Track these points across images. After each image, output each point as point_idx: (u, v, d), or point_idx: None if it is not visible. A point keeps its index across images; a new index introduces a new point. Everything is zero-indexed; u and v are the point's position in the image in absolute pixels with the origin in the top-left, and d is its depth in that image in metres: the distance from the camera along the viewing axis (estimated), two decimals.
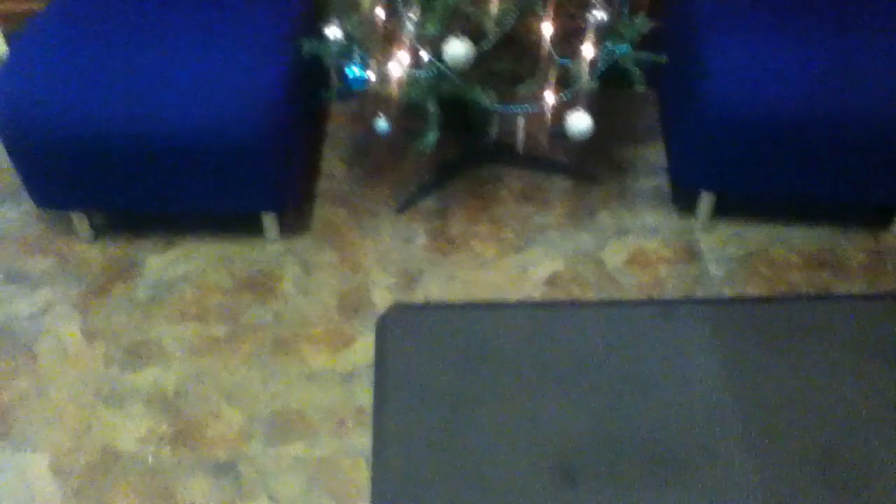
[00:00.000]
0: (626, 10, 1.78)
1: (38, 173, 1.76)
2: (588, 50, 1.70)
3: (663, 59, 1.77)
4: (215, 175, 1.73)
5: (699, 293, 1.80)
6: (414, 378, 1.61)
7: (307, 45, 1.79)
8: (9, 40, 2.25)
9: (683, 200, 1.99)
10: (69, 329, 1.73)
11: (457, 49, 1.63)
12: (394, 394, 1.58)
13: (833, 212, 1.97)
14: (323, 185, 2.05)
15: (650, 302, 1.78)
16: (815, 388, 1.59)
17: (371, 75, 1.73)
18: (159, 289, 1.81)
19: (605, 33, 1.73)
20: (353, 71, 1.74)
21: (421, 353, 1.65)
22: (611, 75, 1.77)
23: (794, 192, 1.84)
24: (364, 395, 1.60)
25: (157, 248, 1.90)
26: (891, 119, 1.68)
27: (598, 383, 1.60)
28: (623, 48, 1.75)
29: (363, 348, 1.69)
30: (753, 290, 1.81)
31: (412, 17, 1.67)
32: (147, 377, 1.64)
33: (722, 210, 1.95)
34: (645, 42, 1.79)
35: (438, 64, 1.67)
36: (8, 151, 1.73)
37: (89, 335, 1.72)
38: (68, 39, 1.75)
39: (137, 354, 1.68)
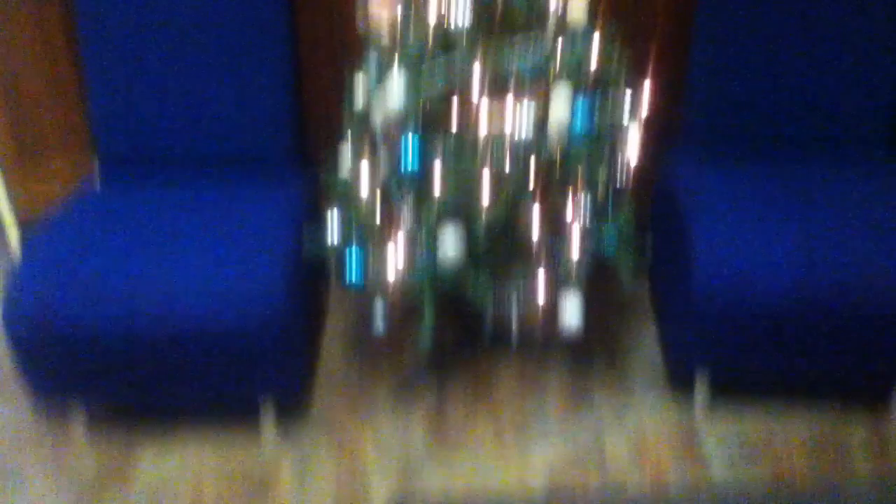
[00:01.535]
0: (611, 199, 1.86)
1: (38, 368, 1.77)
2: (576, 239, 1.77)
3: (647, 257, 1.83)
4: (216, 370, 1.75)
5: (699, 480, 1.77)
6: None
7: (308, 241, 1.87)
8: (22, 241, 2.35)
9: (680, 378, 2.00)
10: None
11: (451, 242, 1.70)
12: None
13: (832, 388, 1.98)
14: (322, 373, 2.06)
15: (652, 496, 1.75)
16: None
17: (369, 269, 1.79)
18: (153, 492, 1.78)
19: (592, 221, 1.81)
20: (352, 263, 1.80)
21: None
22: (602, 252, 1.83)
23: (789, 374, 1.86)
24: None
25: (152, 444, 1.88)
26: (880, 297, 1.71)
27: None
28: (611, 234, 1.82)
29: None
30: (754, 476, 1.78)
31: (408, 209, 1.75)
32: None
33: (720, 387, 1.96)
34: (634, 227, 1.86)
35: (434, 257, 1.73)
36: (10, 344, 1.75)
37: None
38: (77, 241, 1.82)
39: None
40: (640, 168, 1.81)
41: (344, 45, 2.15)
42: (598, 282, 1.87)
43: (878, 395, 1.95)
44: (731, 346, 1.81)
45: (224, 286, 1.70)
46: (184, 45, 1.99)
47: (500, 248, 1.86)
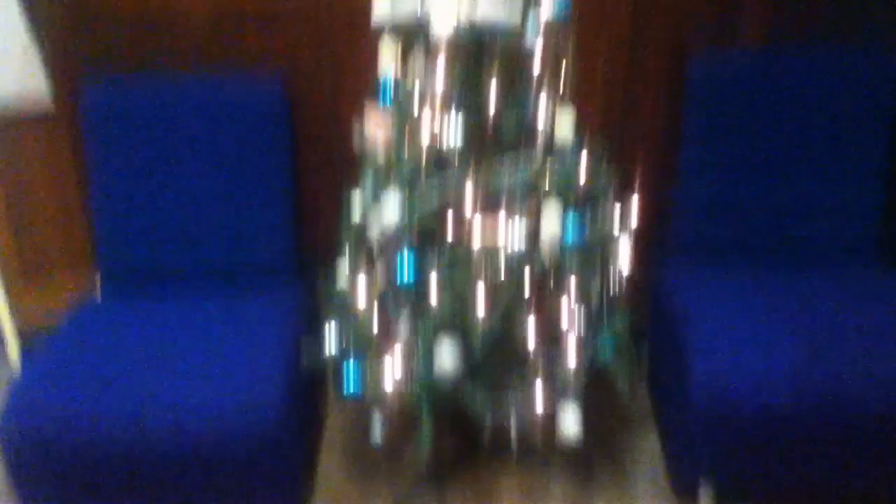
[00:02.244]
0: (605, 308, 1.88)
1: (33, 481, 1.76)
2: (572, 349, 1.78)
3: (645, 366, 1.84)
4: (214, 484, 1.73)
5: None
6: None
7: (306, 353, 1.88)
8: (22, 356, 2.36)
9: (683, 486, 1.97)
10: None
11: (448, 355, 1.71)
12: None
13: (836, 494, 1.94)
14: (320, 485, 2.04)
15: None
16: None
17: (367, 380, 1.79)
18: None
19: (587, 331, 1.82)
20: (350, 374, 1.80)
21: None
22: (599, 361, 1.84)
23: (793, 482, 1.83)
24: None
25: None
26: (879, 403, 1.70)
27: None
28: (607, 343, 1.83)
29: None
30: None
31: (405, 321, 1.76)
32: None
33: (724, 495, 1.92)
34: (629, 335, 1.87)
35: (431, 369, 1.74)
36: (6, 456, 1.73)
37: None
38: (77, 354, 1.84)
39: None
40: (634, 277, 1.84)
41: (341, 161, 2.22)
42: (597, 390, 1.86)
43: (882, 501, 1.91)
44: (733, 454, 1.79)
45: (222, 402, 1.70)
46: (187, 162, 2.06)
47: (496, 358, 1.87)
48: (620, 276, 1.82)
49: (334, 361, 1.84)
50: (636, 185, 1.73)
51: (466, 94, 1.59)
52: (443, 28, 1.49)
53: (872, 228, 2.09)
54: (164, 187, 2.06)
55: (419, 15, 1.56)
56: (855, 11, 2.12)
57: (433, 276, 1.70)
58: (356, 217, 1.82)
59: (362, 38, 1.69)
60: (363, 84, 1.79)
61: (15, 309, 2.36)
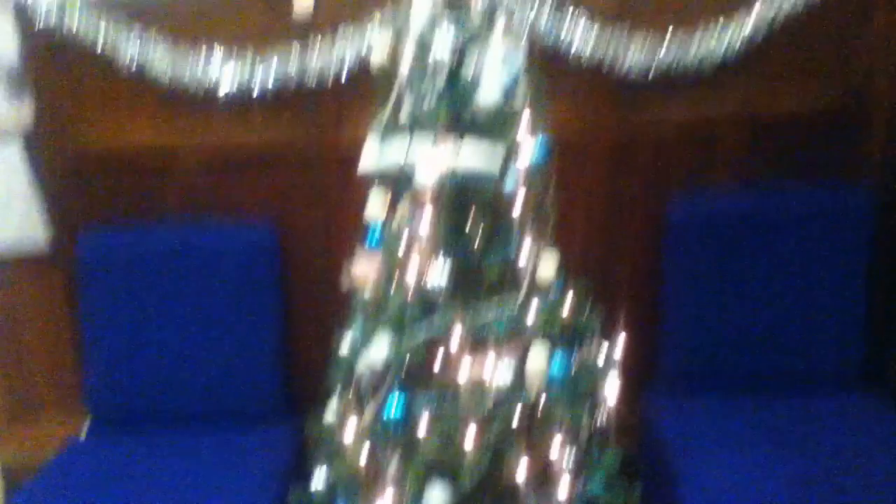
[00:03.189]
0: (595, 447, 1.88)
1: None
2: (563, 484, 1.76)
3: (637, 500, 1.82)
4: None
5: None
6: None
7: (294, 495, 1.85)
8: (8, 495, 2.32)
9: None
10: None
11: (437, 497, 1.69)
12: None
13: None
14: None
15: None
16: None
17: None
18: None
19: (578, 469, 1.81)
20: None
21: None
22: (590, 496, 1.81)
23: None
24: None
25: None
26: None
27: None
28: (598, 478, 1.81)
29: None
30: None
31: (393, 461, 1.75)
32: None
33: None
34: (620, 468, 1.85)
35: None
36: None
37: None
38: (63, 495, 1.83)
39: None
40: (623, 410, 1.84)
41: (332, 303, 2.26)
42: None
43: None
44: None
45: None
46: (179, 308, 2.10)
47: (486, 495, 1.85)
48: (609, 411, 1.82)
49: (322, 501, 1.82)
50: (620, 322, 1.75)
51: (451, 237, 1.64)
52: (426, 177, 1.55)
53: (856, 357, 2.12)
54: (156, 332, 2.09)
55: (404, 164, 1.63)
56: (824, 151, 2.23)
57: (421, 413, 1.70)
58: (345, 357, 1.84)
59: (353, 183, 1.76)
60: (353, 227, 1.86)
61: (2, 448, 2.34)
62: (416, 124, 1.63)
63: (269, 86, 2.10)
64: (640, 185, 2.25)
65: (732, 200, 2.15)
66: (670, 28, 2.10)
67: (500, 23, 1.62)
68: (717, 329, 2.12)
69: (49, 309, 2.31)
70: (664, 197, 2.19)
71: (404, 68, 1.60)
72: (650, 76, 2.12)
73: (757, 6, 2.08)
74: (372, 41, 2.08)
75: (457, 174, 1.58)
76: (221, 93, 2.10)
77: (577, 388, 1.72)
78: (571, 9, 2.08)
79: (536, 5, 2.06)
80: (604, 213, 2.27)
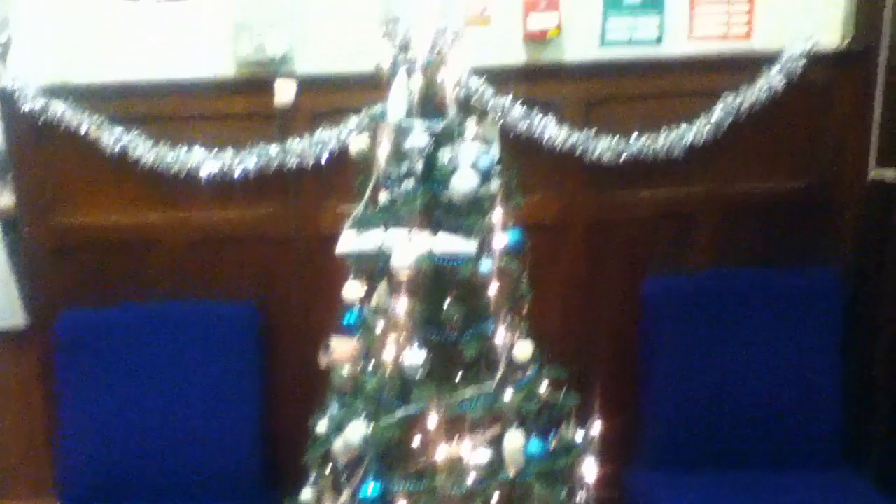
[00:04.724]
0: None
1: None
2: None
3: None
4: None
5: None
6: None
7: None
8: None
9: None
10: None
11: None
12: None
13: None
14: None
15: None
16: None
17: None
18: None
19: None
20: None
21: None
22: None
23: None
24: None
25: None
26: None
27: None
28: None
29: None
30: None
31: None
32: None
33: None
34: None
35: None
36: None
37: None
38: None
39: None
40: (603, 487, 1.84)
41: (312, 382, 2.26)
42: None
43: None
44: None
45: None
46: (156, 388, 2.10)
47: None
48: (588, 488, 1.82)
49: None
50: (598, 401, 1.77)
51: (428, 317, 1.66)
52: (402, 260, 1.58)
53: (834, 433, 2.14)
54: (132, 412, 2.08)
55: (381, 247, 1.66)
56: (794, 233, 2.30)
57: (399, 493, 1.69)
58: (322, 434, 1.83)
59: (333, 261, 1.78)
60: (333, 305, 1.87)
61: None
62: (394, 208, 1.67)
63: (251, 166, 2.14)
64: (616, 265, 2.30)
65: (706, 280, 2.20)
66: (635, 132, 2.19)
67: (475, 115, 1.69)
68: (695, 407, 2.14)
69: (24, 387, 2.29)
70: (639, 276, 2.24)
71: (382, 154, 1.64)
72: (622, 159, 2.18)
73: (720, 103, 2.18)
74: (351, 128, 2.15)
75: (433, 256, 1.61)
76: (203, 173, 2.13)
77: (555, 466, 1.73)
78: (539, 114, 2.17)
79: (507, 104, 2.14)
80: (580, 293, 2.31)
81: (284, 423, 2.28)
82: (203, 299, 2.20)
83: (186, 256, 2.22)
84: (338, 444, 1.75)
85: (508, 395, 1.64)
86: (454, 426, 1.67)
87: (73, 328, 2.10)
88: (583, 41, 2.20)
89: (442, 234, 1.63)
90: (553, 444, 1.71)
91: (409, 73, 1.62)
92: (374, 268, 1.74)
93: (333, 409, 1.81)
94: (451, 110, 1.65)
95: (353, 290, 1.76)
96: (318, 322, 2.24)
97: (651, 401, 2.18)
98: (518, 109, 2.15)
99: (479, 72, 2.12)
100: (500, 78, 2.15)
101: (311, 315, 2.27)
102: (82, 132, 2.10)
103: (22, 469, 2.35)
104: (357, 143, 1.73)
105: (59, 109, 2.09)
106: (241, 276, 2.25)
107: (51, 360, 2.13)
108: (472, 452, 1.66)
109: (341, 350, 1.79)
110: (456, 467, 1.64)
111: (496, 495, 1.71)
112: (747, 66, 2.19)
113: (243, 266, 2.25)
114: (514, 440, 1.65)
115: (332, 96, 2.16)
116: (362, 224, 1.69)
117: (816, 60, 2.19)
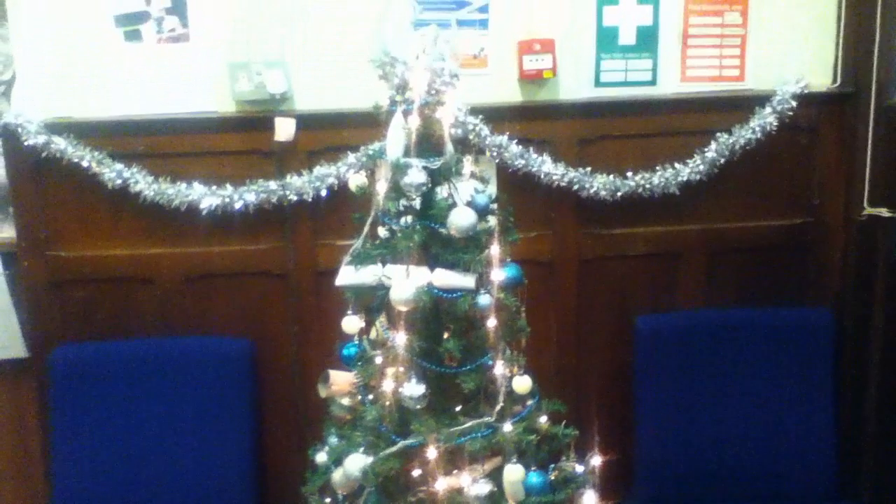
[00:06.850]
0: None
1: None
2: None
3: None
4: None
5: None
6: None
7: None
8: None
9: None
10: None
11: None
12: None
13: None
14: None
15: None
16: None
17: None
18: None
19: None
20: None
21: None
22: None
23: None
24: None
25: None
26: None
27: None
28: None
29: None
30: None
31: None
32: None
33: None
34: None
35: None
36: None
37: None
38: None
39: None
40: None
41: (306, 418, 2.27)
42: None
43: None
44: None
45: None
46: (150, 422, 2.10)
47: None
48: None
49: None
50: (595, 437, 1.78)
51: (427, 350, 1.67)
52: (401, 294, 1.60)
53: (828, 472, 2.14)
54: (125, 446, 2.08)
55: (380, 280, 1.67)
56: (784, 271, 2.33)
57: None
58: (321, 467, 1.83)
59: (329, 295, 1.79)
60: (329, 338, 1.87)
61: None
62: (392, 243, 1.68)
63: (251, 201, 2.15)
64: (609, 302, 2.32)
65: (700, 318, 2.23)
66: (629, 172, 2.23)
67: (472, 153, 1.72)
68: (690, 443, 2.15)
69: (19, 420, 2.28)
70: (632, 313, 2.27)
71: (381, 190, 1.66)
72: (618, 196, 2.21)
73: (713, 144, 2.22)
74: (350, 164, 2.17)
75: (432, 289, 1.63)
76: (203, 207, 2.14)
77: (555, 499, 1.72)
78: (534, 154, 2.20)
79: (504, 142, 2.18)
80: (573, 328, 2.33)
81: (277, 459, 2.28)
82: (197, 335, 2.21)
83: (183, 291, 2.23)
84: (337, 476, 1.75)
85: (508, 427, 1.65)
86: (453, 459, 1.67)
87: (67, 362, 2.10)
88: (578, 82, 2.25)
89: (440, 270, 1.65)
90: (553, 476, 1.72)
91: (406, 113, 1.65)
92: (372, 301, 1.76)
93: (331, 441, 1.81)
94: (448, 148, 1.68)
95: (352, 323, 1.77)
96: (311, 358, 2.25)
97: (645, 437, 2.18)
98: (514, 147, 2.18)
99: (475, 110, 2.16)
100: (497, 116, 2.18)
101: (306, 348, 2.27)
102: (83, 167, 2.12)
103: (19, 499, 2.33)
104: (356, 179, 1.75)
105: (61, 145, 2.11)
106: (236, 311, 2.26)
107: (46, 393, 2.13)
108: (472, 485, 1.66)
109: (340, 382, 1.79)
110: (456, 500, 1.64)
111: None
112: (740, 107, 2.24)
113: (239, 301, 2.26)
114: (515, 473, 1.65)
115: (330, 133, 2.19)
116: (361, 259, 1.71)
117: (807, 101, 2.23)
